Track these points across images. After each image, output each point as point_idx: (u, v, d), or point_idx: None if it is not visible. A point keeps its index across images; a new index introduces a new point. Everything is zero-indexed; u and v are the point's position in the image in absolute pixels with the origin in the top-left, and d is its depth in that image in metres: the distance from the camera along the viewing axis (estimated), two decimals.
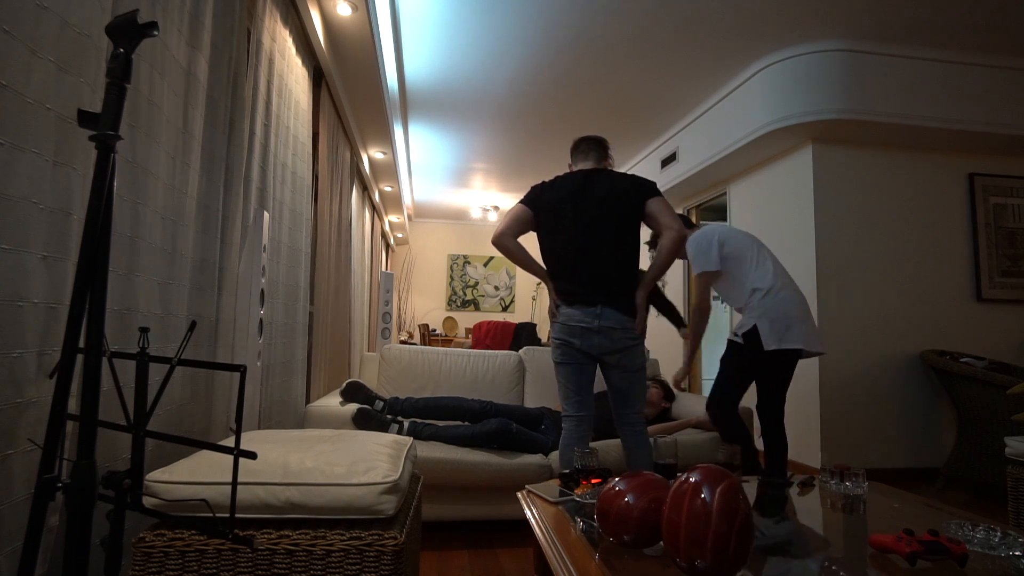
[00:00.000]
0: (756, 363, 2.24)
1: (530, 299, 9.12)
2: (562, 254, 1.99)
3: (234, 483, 0.84)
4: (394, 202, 6.30)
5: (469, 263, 9.13)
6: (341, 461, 1.20)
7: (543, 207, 2.02)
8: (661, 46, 3.38)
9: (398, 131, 4.68)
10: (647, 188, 1.98)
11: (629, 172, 2.17)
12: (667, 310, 3.03)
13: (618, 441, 2.14)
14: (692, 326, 2.43)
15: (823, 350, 2.27)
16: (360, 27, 2.60)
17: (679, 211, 5.40)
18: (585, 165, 2.07)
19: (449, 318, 9.13)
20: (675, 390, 2.75)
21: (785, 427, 2.32)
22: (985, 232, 3.65)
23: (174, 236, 1.35)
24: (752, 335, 2.21)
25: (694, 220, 5.32)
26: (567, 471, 1.57)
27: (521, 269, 2.18)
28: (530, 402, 2.88)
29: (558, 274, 2.02)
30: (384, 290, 4.58)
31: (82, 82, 0.97)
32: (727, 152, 3.94)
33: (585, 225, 1.94)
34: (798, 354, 2.22)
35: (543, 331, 6.88)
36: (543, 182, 2.08)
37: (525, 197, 2.07)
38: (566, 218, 1.96)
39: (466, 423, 2.45)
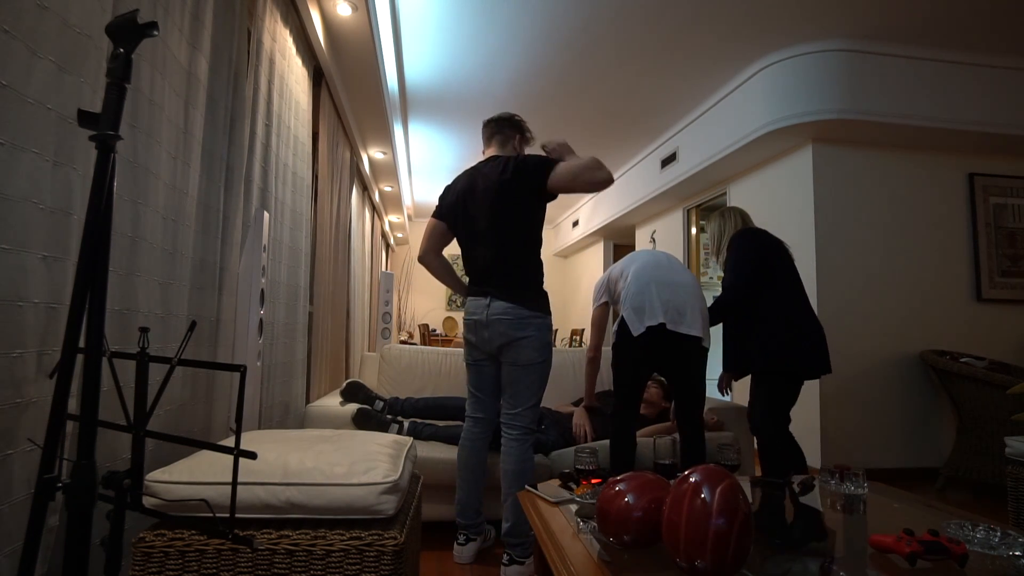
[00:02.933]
0: (638, 355, 2.11)
1: None
2: (464, 252, 2.03)
3: (234, 483, 0.84)
4: (394, 202, 6.30)
5: None
6: (341, 461, 1.20)
7: (447, 213, 2.05)
8: (662, 46, 3.38)
9: (398, 131, 4.68)
10: (539, 165, 1.87)
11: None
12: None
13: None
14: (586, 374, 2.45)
15: (695, 333, 2.05)
16: (360, 27, 2.60)
17: (679, 210, 5.40)
18: (489, 152, 2.08)
19: (449, 318, 9.13)
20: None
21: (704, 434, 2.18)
22: (985, 232, 3.65)
23: (174, 236, 1.35)
24: (621, 327, 2.13)
25: (694, 220, 5.32)
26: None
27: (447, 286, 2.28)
28: None
29: (466, 272, 2.05)
30: (384, 290, 4.58)
31: (82, 82, 0.97)
32: (727, 152, 3.93)
33: (475, 219, 1.95)
34: (674, 337, 2.05)
35: None
36: (447, 186, 2.12)
37: (435, 209, 2.11)
38: (461, 216, 2.00)
39: None
